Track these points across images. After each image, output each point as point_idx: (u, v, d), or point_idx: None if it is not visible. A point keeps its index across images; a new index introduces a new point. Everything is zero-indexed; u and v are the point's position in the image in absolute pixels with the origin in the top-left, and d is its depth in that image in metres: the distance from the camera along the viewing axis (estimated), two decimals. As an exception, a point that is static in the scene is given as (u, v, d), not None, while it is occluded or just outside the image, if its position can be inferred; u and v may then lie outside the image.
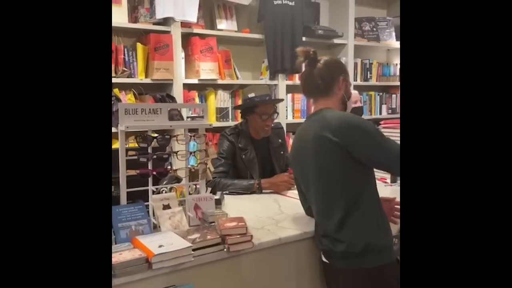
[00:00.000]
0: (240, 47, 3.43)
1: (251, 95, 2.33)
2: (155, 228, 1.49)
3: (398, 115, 3.38)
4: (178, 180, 1.70)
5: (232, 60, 3.30)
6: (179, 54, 2.93)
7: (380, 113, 4.18)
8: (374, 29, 4.05)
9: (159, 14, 2.77)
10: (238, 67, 3.36)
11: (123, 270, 1.21)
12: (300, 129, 1.67)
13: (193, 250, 1.33)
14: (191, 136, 1.66)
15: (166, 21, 2.87)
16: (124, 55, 2.76)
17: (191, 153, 1.68)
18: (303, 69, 1.66)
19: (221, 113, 3.22)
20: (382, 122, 2.63)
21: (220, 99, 3.21)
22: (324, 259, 1.55)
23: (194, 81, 3.05)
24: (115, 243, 1.36)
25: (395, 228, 1.60)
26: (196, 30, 3.04)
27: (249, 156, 2.37)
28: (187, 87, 3.05)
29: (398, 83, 4.12)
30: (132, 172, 1.51)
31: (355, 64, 3.93)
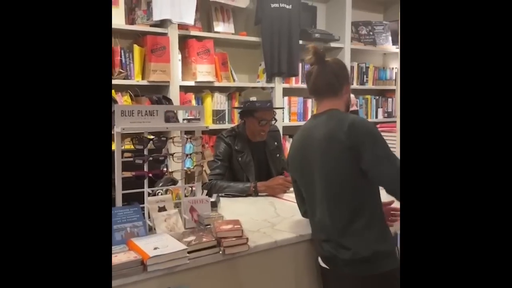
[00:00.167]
0: (237, 49, 3.44)
1: (253, 98, 2.32)
2: (151, 230, 1.49)
3: (394, 119, 3.39)
4: (174, 182, 1.70)
5: (229, 63, 3.30)
6: (176, 56, 2.93)
7: (376, 117, 4.19)
8: (371, 33, 4.07)
9: (156, 16, 2.77)
10: (235, 70, 3.37)
11: (118, 272, 1.20)
12: (305, 128, 1.61)
13: (189, 252, 1.33)
14: (187, 138, 1.66)
15: (163, 23, 2.87)
16: (121, 56, 2.76)
17: (187, 155, 1.67)
18: (310, 67, 1.61)
19: (218, 115, 3.22)
20: (378, 126, 2.64)
21: (216, 102, 3.21)
22: (323, 265, 1.53)
23: (191, 83, 3.05)
24: (110, 245, 1.35)
25: (391, 230, 1.60)
26: (193, 32, 3.04)
27: (245, 158, 2.37)
28: (184, 89, 3.04)
29: (394, 87, 4.14)
30: (128, 174, 1.50)
31: (352, 68, 3.95)
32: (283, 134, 3.28)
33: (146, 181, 1.54)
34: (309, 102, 3.74)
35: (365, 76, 4.09)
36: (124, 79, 2.76)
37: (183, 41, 3.03)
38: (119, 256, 1.25)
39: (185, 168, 1.68)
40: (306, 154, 1.55)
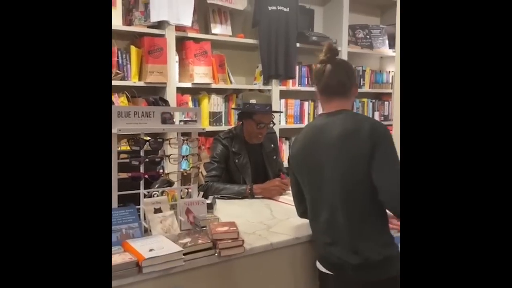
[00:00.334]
0: (234, 51, 3.44)
1: (253, 101, 2.32)
2: (146, 232, 1.49)
3: (391, 122, 3.40)
4: (170, 183, 1.69)
5: (226, 65, 3.30)
6: (173, 58, 2.93)
7: (373, 120, 4.19)
8: (368, 36, 4.08)
9: (154, 18, 2.76)
10: (232, 72, 3.37)
11: (113, 274, 1.19)
12: (315, 126, 1.56)
13: (184, 254, 1.33)
14: (183, 140, 1.66)
15: (160, 24, 2.87)
16: (118, 57, 2.75)
17: (183, 157, 1.67)
18: (321, 65, 1.57)
19: (214, 117, 3.22)
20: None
21: (213, 104, 3.21)
22: (324, 270, 1.50)
23: (188, 85, 3.04)
24: (106, 247, 1.35)
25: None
26: (191, 34, 3.05)
27: (242, 160, 2.37)
28: (181, 90, 3.04)
29: (391, 91, 4.15)
30: (124, 175, 1.50)
31: (348, 71, 3.95)
32: (279, 137, 3.29)
33: (142, 183, 1.54)
34: (306, 104, 3.75)
35: (361, 79, 4.10)
36: (121, 80, 2.75)
37: (181, 42, 3.03)
38: (114, 258, 1.24)
39: (181, 170, 1.68)
40: (316, 153, 1.49)
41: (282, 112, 3.53)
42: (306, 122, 3.76)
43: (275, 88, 3.45)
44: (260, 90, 3.34)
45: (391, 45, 4.13)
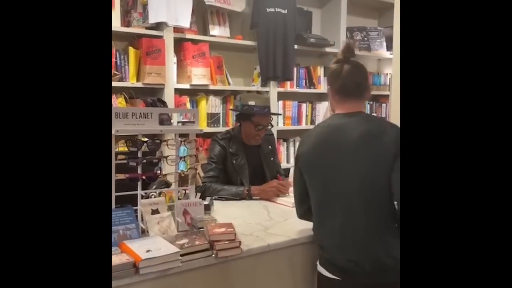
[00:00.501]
0: (233, 53, 3.44)
1: (251, 102, 2.32)
2: (143, 233, 1.49)
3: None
4: (168, 185, 1.70)
5: (224, 66, 3.31)
6: (171, 59, 2.93)
7: (370, 122, 4.20)
8: (365, 38, 4.09)
9: (152, 19, 2.77)
10: (230, 73, 3.37)
11: (110, 275, 1.20)
12: (331, 126, 1.50)
13: (181, 255, 1.33)
14: (181, 141, 1.66)
15: (158, 25, 2.87)
16: (116, 58, 2.75)
17: (181, 158, 1.67)
18: (336, 65, 1.53)
19: (212, 118, 3.22)
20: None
21: (211, 105, 3.22)
22: (328, 274, 1.46)
23: (186, 86, 3.05)
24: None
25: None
26: (189, 36, 3.05)
27: (239, 161, 2.37)
28: (179, 92, 3.05)
29: (388, 93, 4.16)
30: (121, 176, 1.50)
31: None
32: (277, 138, 3.29)
33: (139, 184, 1.54)
34: (304, 106, 3.76)
35: (359, 81, 4.10)
36: (119, 81, 2.76)
37: (179, 44, 3.03)
38: (112, 259, 1.24)
39: (179, 171, 1.68)
40: (331, 153, 1.45)
41: (280, 114, 3.54)
42: (304, 123, 3.77)
43: (273, 89, 3.46)
44: (258, 92, 3.34)
45: (389, 47, 4.14)
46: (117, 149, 1.64)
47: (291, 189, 2.29)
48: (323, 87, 3.84)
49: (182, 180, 1.72)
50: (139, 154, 1.54)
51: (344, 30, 3.86)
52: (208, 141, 2.68)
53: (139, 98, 2.83)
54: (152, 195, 1.64)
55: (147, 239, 1.41)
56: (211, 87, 3.17)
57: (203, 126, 3.11)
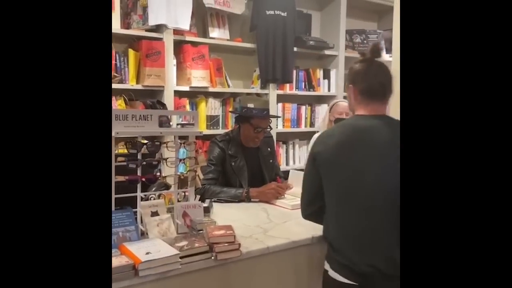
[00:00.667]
0: (232, 55, 3.45)
1: (250, 105, 2.32)
2: (143, 235, 1.49)
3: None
4: (167, 187, 1.70)
5: (224, 68, 3.31)
6: (170, 61, 2.94)
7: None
8: (365, 41, 4.10)
9: (152, 21, 2.77)
10: (230, 76, 3.38)
11: (110, 277, 1.20)
12: (358, 126, 1.45)
13: (181, 257, 1.33)
14: (181, 143, 1.66)
15: (158, 28, 2.87)
16: (116, 60, 2.76)
17: (180, 160, 1.67)
18: (360, 65, 1.51)
19: (212, 121, 3.22)
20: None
21: (211, 107, 3.22)
22: (343, 279, 1.40)
23: (185, 88, 3.05)
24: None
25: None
26: (188, 38, 3.05)
27: (238, 163, 2.37)
28: (178, 94, 3.05)
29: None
30: (121, 178, 1.50)
31: (345, 76, 3.96)
32: (276, 140, 3.29)
33: (139, 186, 1.54)
34: (303, 108, 3.76)
35: (358, 84, 4.11)
36: (118, 83, 2.76)
37: (178, 46, 3.04)
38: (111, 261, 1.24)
39: (179, 173, 1.68)
40: (356, 154, 1.41)
41: (279, 117, 3.54)
42: (303, 126, 3.77)
43: (272, 92, 3.46)
44: (257, 94, 3.35)
45: (388, 50, 4.14)
46: (116, 151, 1.64)
47: (290, 191, 2.31)
48: (322, 89, 3.84)
49: (182, 182, 1.72)
50: (139, 156, 1.54)
51: (343, 33, 3.87)
52: (208, 143, 2.68)
53: (139, 100, 2.84)
54: (152, 197, 1.64)
55: (147, 241, 1.41)
56: (211, 89, 3.17)
57: (202, 128, 3.12)
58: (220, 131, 3.14)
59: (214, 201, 2.11)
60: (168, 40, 2.90)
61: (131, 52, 2.81)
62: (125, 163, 1.51)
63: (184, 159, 1.70)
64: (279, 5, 3.39)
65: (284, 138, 3.72)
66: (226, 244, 1.41)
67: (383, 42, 4.15)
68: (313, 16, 3.93)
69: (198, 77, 3.06)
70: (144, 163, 1.54)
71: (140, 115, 1.51)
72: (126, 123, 1.48)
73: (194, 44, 3.08)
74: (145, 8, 2.81)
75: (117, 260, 1.25)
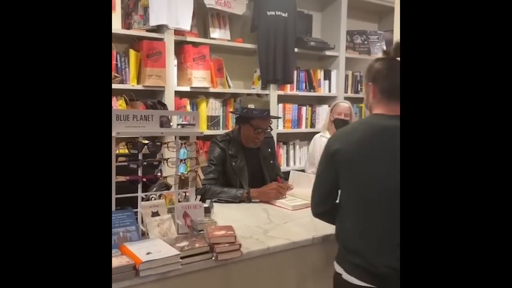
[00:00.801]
0: (233, 56, 3.45)
1: (251, 106, 2.33)
2: (143, 235, 1.49)
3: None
4: (168, 187, 1.70)
5: (225, 69, 3.31)
6: (171, 62, 2.94)
7: (370, 125, 4.21)
8: (365, 42, 4.10)
9: (153, 21, 2.77)
10: (230, 76, 3.38)
11: (110, 277, 1.20)
12: (376, 126, 1.41)
13: (181, 258, 1.33)
14: (182, 143, 1.67)
15: (159, 28, 2.88)
16: (117, 61, 2.76)
17: (181, 160, 1.68)
18: (381, 63, 1.46)
19: (212, 121, 3.23)
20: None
21: (211, 107, 3.22)
22: (362, 283, 1.36)
23: (186, 88, 3.05)
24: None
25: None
26: (189, 38, 3.06)
27: (239, 163, 2.37)
28: (179, 94, 3.05)
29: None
30: (122, 178, 1.50)
31: (346, 76, 3.97)
32: (277, 141, 3.29)
33: (140, 186, 1.54)
34: (304, 109, 3.76)
35: (359, 84, 4.12)
36: (119, 83, 2.76)
37: (179, 46, 3.04)
38: (112, 261, 1.24)
39: (179, 174, 1.68)
40: (377, 155, 1.37)
41: (280, 117, 3.54)
42: (303, 127, 3.77)
43: (273, 92, 3.46)
44: (258, 95, 3.35)
45: (389, 51, 4.15)
46: (117, 151, 1.65)
47: (290, 191, 2.31)
48: (323, 90, 3.84)
49: (182, 182, 1.72)
50: (140, 157, 1.54)
51: (344, 34, 3.87)
52: (208, 144, 2.69)
53: (140, 100, 2.84)
54: (152, 197, 1.64)
55: (147, 242, 1.41)
56: (211, 90, 3.17)
57: (203, 128, 3.12)
58: (221, 131, 3.14)
59: (215, 201, 2.11)
60: (169, 40, 2.90)
61: (132, 52, 2.81)
62: (126, 163, 1.51)
63: (184, 159, 1.70)
64: (280, 6, 3.39)
65: (285, 138, 3.72)
66: (226, 245, 1.42)
67: (383, 43, 4.16)
68: (314, 17, 3.94)
69: (199, 78, 3.06)
70: (145, 163, 1.54)
71: (141, 116, 1.51)
72: (127, 123, 1.48)
73: (195, 44, 3.08)
74: (146, 8, 2.81)
75: (117, 260, 1.25)
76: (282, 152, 3.68)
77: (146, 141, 1.58)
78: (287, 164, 3.72)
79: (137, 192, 1.54)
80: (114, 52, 2.74)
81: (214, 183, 2.29)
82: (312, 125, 3.82)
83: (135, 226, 1.44)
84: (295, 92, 3.67)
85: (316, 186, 1.54)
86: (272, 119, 2.44)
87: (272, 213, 2.02)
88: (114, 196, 1.46)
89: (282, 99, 3.58)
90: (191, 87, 3.05)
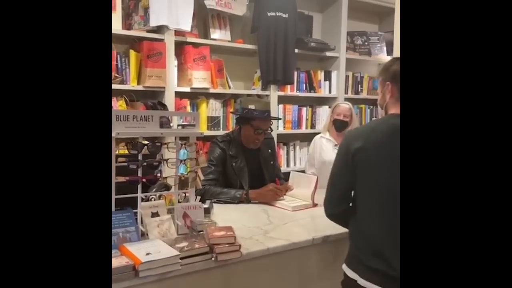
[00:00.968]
0: (233, 57, 3.45)
1: (251, 106, 2.33)
2: (143, 235, 1.49)
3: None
4: (168, 187, 1.70)
5: (225, 70, 3.31)
6: (172, 62, 2.94)
7: (370, 126, 4.21)
8: (366, 43, 4.10)
9: (153, 22, 2.78)
10: (231, 77, 3.38)
11: (110, 278, 1.20)
12: (395, 126, 1.34)
13: (181, 258, 1.33)
14: (182, 144, 1.67)
15: (160, 29, 2.88)
16: (117, 61, 2.76)
17: (181, 161, 1.68)
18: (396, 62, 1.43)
19: (213, 122, 3.23)
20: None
21: (211, 108, 3.22)
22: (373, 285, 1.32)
23: (186, 89, 3.05)
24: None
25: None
26: (190, 39, 3.06)
27: (239, 164, 2.37)
28: (179, 95, 3.05)
29: (388, 97, 4.16)
30: (122, 179, 1.50)
31: (346, 77, 3.97)
32: (277, 142, 3.29)
33: (139, 186, 1.54)
34: (304, 110, 3.76)
35: (359, 85, 4.12)
36: (119, 83, 2.76)
37: (180, 47, 3.04)
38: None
39: (179, 174, 1.68)
40: (395, 156, 1.27)
41: (280, 119, 3.54)
42: (304, 127, 3.77)
43: (273, 93, 3.46)
44: (258, 96, 3.35)
45: (389, 52, 4.15)
46: (117, 152, 1.65)
47: (290, 192, 2.31)
48: (323, 91, 3.84)
49: (182, 183, 1.72)
50: (140, 157, 1.54)
51: (344, 35, 3.87)
52: (208, 144, 2.69)
53: (140, 101, 2.84)
54: (152, 198, 1.64)
55: (147, 242, 1.41)
56: (212, 91, 3.17)
57: (203, 129, 3.12)
58: (221, 132, 3.14)
59: (214, 202, 2.11)
60: (169, 41, 2.91)
61: (132, 53, 2.82)
62: (125, 164, 1.51)
63: (184, 160, 1.70)
64: (280, 7, 3.39)
65: (285, 139, 3.72)
66: (226, 245, 1.41)
67: (384, 44, 4.16)
68: (314, 17, 3.94)
69: (199, 78, 3.06)
70: (145, 163, 1.54)
71: (141, 116, 1.51)
72: (127, 124, 1.48)
73: (195, 45, 3.08)
74: (146, 9, 2.81)
75: (117, 261, 1.25)
76: (282, 153, 3.68)
77: (146, 142, 1.58)
78: (287, 165, 3.72)
79: (136, 193, 1.54)
80: (114, 53, 2.74)
81: (214, 184, 2.29)
82: (312, 126, 3.82)
83: (135, 226, 1.44)
84: (295, 93, 3.67)
85: (332, 186, 1.49)
86: (272, 120, 2.44)
87: (272, 214, 2.02)
88: (113, 196, 1.46)
89: (282, 100, 3.58)
90: (191, 88, 3.05)
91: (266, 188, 2.25)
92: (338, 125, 3.07)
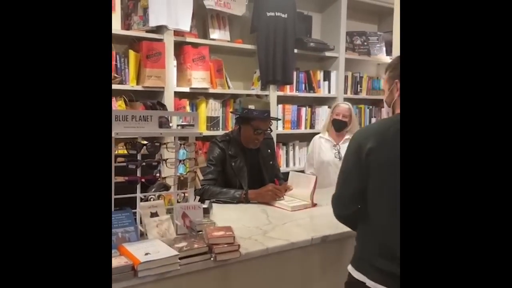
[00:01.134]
0: (232, 57, 3.45)
1: (251, 106, 2.33)
2: (142, 235, 1.49)
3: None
4: (167, 188, 1.70)
5: (224, 70, 3.31)
6: (171, 62, 2.94)
7: (370, 126, 4.21)
8: (365, 43, 4.11)
9: (152, 22, 2.78)
10: (230, 77, 3.38)
11: (109, 278, 1.20)
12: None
13: (180, 258, 1.33)
14: (181, 144, 1.66)
15: (159, 29, 2.88)
16: (116, 61, 2.76)
17: (180, 161, 1.68)
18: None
19: (212, 122, 3.23)
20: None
21: (211, 108, 3.22)
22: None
23: (186, 89, 3.05)
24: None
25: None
26: (189, 39, 3.06)
27: (238, 164, 2.37)
28: (178, 95, 3.05)
29: (388, 97, 4.16)
30: (121, 179, 1.50)
31: (346, 77, 3.97)
32: (276, 142, 3.29)
33: (138, 186, 1.54)
34: (303, 110, 3.76)
35: (359, 85, 4.12)
36: (119, 84, 2.76)
37: (179, 47, 3.04)
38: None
39: (178, 174, 1.68)
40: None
41: (280, 119, 3.54)
42: (303, 127, 3.77)
43: (273, 93, 3.46)
44: (257, 96, 3.35)
45: (388, 52, 4.15)
46: (116, 152, 1.65)
47: (289, 192, 2.31)
48: (322, 91, 3.84)
49: (181, 183, 1.72)
50: (139, 157, 1.54)
51: (344, 35, 3.87)
52: (208, 144, 2.69)
53: (139, 101, 2.84)
54: (151, 198, 1.64)
55: (146, 242, 1.41)
56: (211, 91, 3.17)
57: (202, 129, 3.12)
58: (220, 132, 3.14)
59: (213, 202, 2.11)
60: (169, 41, 2.91)
61: (131, 53, 2.82)
62: (124, 164, 1.51)
63: (184, 160, 1.70)
64: (279, 7, 3.39)
65: (284, 139, 3.72)
66: (225, 245, 1.41)
67: (383, 44, 4.16)
68: (314, 18, 3.94)
69: (199, 78, 3.06)
70: (144, 164, 1.54)
71: (140, 116, 1.51)
72: (126, 124, 1.48)
73: (194, 45, 3.08)
74: (145, 9, 2.81)
75: (116, 261, 1.25)
76: (281, 153, 3.68)
77: (145, 142, 1.58)
78: (287, 165, 3.72)
79: (135, 193, 1.54)
80: (113, 53, 2.74)
81: (213, 184, 2.29)
82: (312, 126, 3.82)
83: (134, 226, 1.44)
84: (294, 93, 3.67)
85: (343, 185, 1.44)
86: (272, 120, 2.44)
87: (271, 214, 2.02)
88: (113, 196, 1.46)
89: (281, 100, 3.59)
90: (190, 88, 3.05)
91: (265, 188, 2.25)
92: (337, 125, 3.07)
